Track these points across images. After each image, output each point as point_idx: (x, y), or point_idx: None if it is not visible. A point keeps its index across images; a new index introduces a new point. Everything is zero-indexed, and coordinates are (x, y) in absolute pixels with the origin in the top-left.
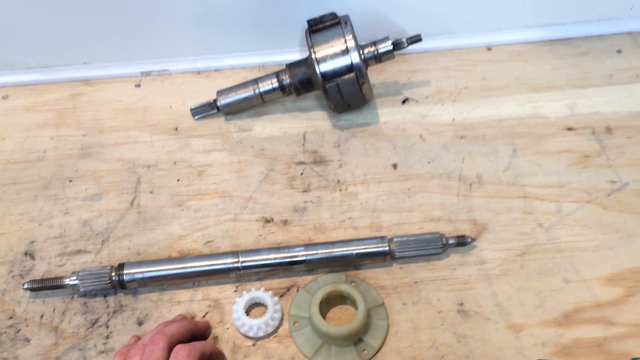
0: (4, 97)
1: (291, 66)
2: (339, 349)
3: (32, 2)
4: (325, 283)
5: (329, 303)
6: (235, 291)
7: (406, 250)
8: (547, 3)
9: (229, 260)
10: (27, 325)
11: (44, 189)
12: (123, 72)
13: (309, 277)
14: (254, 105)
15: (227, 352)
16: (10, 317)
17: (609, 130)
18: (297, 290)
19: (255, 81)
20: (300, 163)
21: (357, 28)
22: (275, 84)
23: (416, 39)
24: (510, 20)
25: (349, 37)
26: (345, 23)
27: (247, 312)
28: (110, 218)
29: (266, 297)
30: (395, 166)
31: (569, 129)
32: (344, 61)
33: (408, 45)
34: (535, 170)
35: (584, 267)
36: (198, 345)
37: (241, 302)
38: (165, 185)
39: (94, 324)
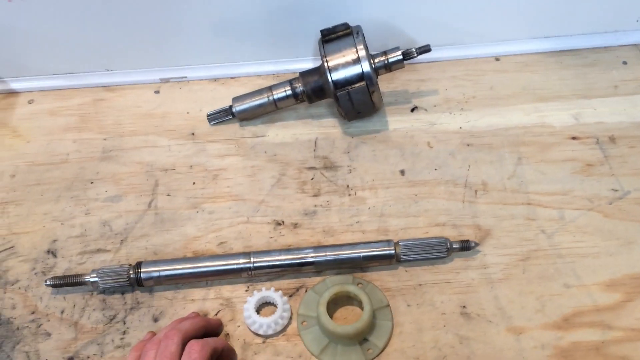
0: (29, 102)
1: (304, 74)
2: (345, 348)
3: (58, 11)
4: (333, 284)
5: (336, 303)
6: (247, 291)
7: (411, 253)
8: (555, 15)
9: (241, 260)
10: (48, 320)
11: (66, 190)
12: (143, 79)
13: (318, 279)
14: (267, 111)
15: (238, 349)
16: (33, 312)
17: (612, 139)
18: (306, 291)
19: (269, 89)
20: (311, 168)
21: (369, 38)
22: (289, 92)
23: (425, 49)
24: (519, 31)
25: (361, 46)
26: (357, 33)
27: (258, 311)
28: (129, 219)
29: (276, 296)
30: (402, 172)
31: (574, 138)
32: (355, 70)
33: (417, 55)
34: (540, 178)
35: (584, 273)
36: (210, 341)
37: (252, 301)
38: (182, 188)
39: (111, 319)
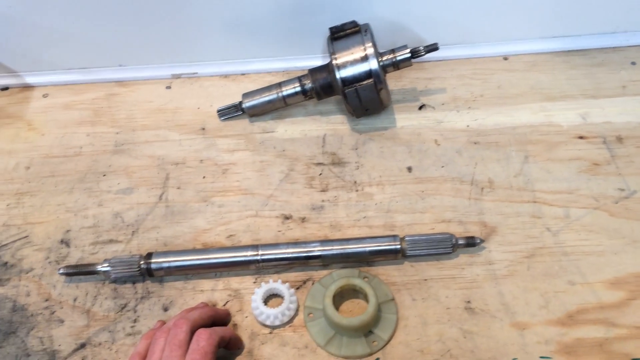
0: (44, 96)
1: (313, 71)
2: (350, 340)
3: (73, 8)
4: (339, 277)
5: (342, 296)
6: (255, 282)
7: (417, 249)
8: (564, 15)
9: (249, 253)
10: (62, 308)
11: (79, 182)
12: (155, 75)
13: (324, 272)
14: (277, 108)
15: (245, 339)
16: (46, 300)
17: (619, 139)
18: (313, 284)
19: (279, 85)
20: (319, 164)
21: (378, 36)
22: (298, 88)
23: (433, 48)
24: (527, 31)
25: (369, 44)
26: (366, 31)
27: (265, 302)
28: (140, 211)
29: (283, 288)
30: (410, 169)
31: (581, 137)
32: (363, 67)
33: (425, 53)
34: (546, 176)
35: (589, 271)
36: (218, 330)
37: (260, 292)
38: (192, 182)
39: (123, 308)
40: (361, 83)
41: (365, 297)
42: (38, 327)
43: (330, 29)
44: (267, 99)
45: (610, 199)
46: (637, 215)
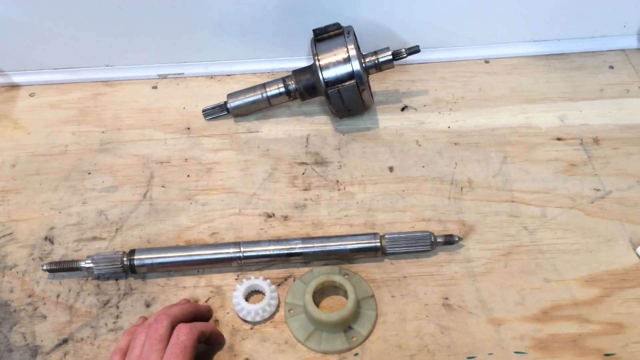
0: (31, 95)
1: (297, 72)
2: (330, 335)
3: (60, 7)
4: (320, 274)
5: (322, 293)
6: (237, 279)
7: (397, 246)
8: (544, 19)
9: (231, 250)
10: (45, 304)
11: (64, 180)
12: (142, 75)
13: (306, 269)
14: (261, 108)
15: (226, 334)
16: (29, 296)
17: (596, 141)
18: (294, 280)
19: (263, 86)
20: (303, 163)
21: (363, 39)
22: (282, 89)
23: (415, 50)
24: (508, 35)
25: (351, 46)
26: (348, 33)
27: (247, 299)
28: (124, 208)
29: (264, 285)
30: (391, 169)
31: (559, 139)
32: (345, 69)
33: (407, 55)
34: (524, 176)
35: (564, 268)
36: (198, 324)
37: (241, 288)
38: (176, 180)
39: (105, 304)
40: (344, 84)
41: (345, 294)
42: (21, 322)
43: (314, 30)
44: (251, 99)
45: (586, 199)
46: (612, 214)
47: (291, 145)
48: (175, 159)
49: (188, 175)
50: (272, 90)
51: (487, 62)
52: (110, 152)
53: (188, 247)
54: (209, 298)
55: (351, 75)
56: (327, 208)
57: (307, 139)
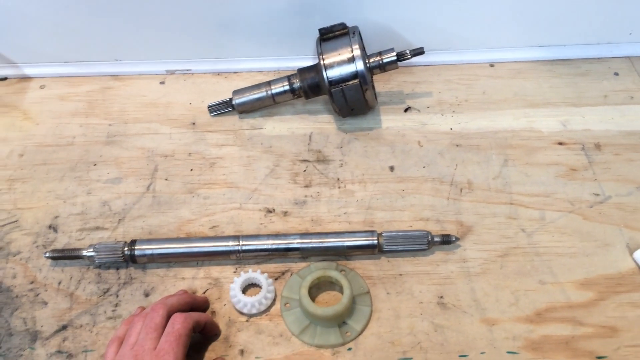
0: (41, 87)
1: (302, 71)
2: (324, 330)
3: (72, 2)
4: (317, 269)
5: (319, 288)
6: (235, 272)
7: (393, 244)
8: (550, 25)
9: (231, 243)
10: (46, 290)
11: (70, 170)
12: (150, 70)
13: (303, 264)
14: (266, 105)
15: (222, 326)
16: (32, 282)
17: (598, 146)
18: (291, 275)
19: (268, 83)
20: (304, 161)
21: (369, 40)
22: (286, 87)
23: (419, 52)
24: (514, 39)
25: (356, 46)
26: (354, 33)
27: (244, 291)
28: (128, 200)
29: (261, 278)
30: (392, 168)
31: (560, 143)
32: (349, 68)
33: (411, 56)
34: (524, 179)
35: (560, 271)
36: (194, 314)
37: (238, 281)
38: (179, 174)
39: (105, 292)
40: (347, 83)
41: (341, 289)
42: (22, 308)
43: (320, 30)
44: (256, 96)
45: (585, 203)
46: (611, 219)
47: (294, 142)
48: (180, 153)
49: (191, 169)
50: (277, 88)
51: (492, 65)
52: (116, 144)
53: (188, 239)
54: (207, 290)
55: (355, 75)
56: (327, 205)
57: (310, 137)
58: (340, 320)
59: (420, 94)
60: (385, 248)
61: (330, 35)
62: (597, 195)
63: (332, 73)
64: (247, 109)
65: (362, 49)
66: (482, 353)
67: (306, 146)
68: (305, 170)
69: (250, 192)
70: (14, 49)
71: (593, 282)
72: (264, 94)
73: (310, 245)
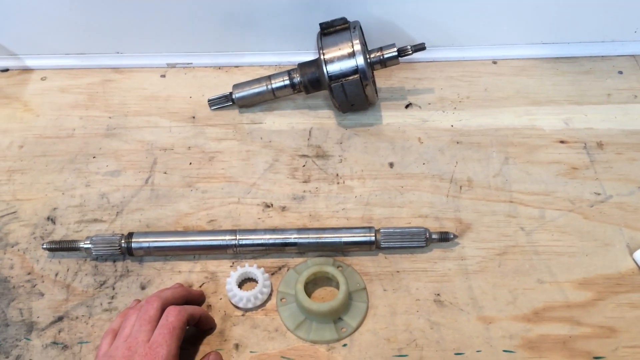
0: (42, 79)
1: (302, 65)
2: (320, 325)
3: None
4: (313, 265)
5: (315, 283)
6: (231, 266)
7: (391, 241)
8: (554, 22)
9: (227, 237)
10: (43, 282)
11: (69, 162)
12: (151, 63)
13: (300, 259)
14: (266, 100)
15: (218, 320)
16: (29, 273)
17: (600, 145)
18: (288, 270)
19: (269, 78)
20: (304, 156)
21: (371, 36)
22: (287, 82)
23: (420, 47)
24: (517, 36)
25: (356, 41)
26: (354, 28)
27: (240, 286)
28: (126, 193)
29: (258, 273)
30: (391, 165)
31: (562, 142)
32: (349, 63)
33: (413, 52)
34: (524, 177)
35: (558, 270)
36: (188, 308)
37: (235, 275)
38: (178, 167)
39: (102, 285)
40: (347, 78)
41: (337, 285)
42: (19, 299)
43: (320, 24)
44: (256, 90)
45: (585, 203)
46: (611, 219)
47: (293, 137)
48: (179, 147)
49: (190, 163)
50: (277, 83)
51: (494, 62)
52: (116, 137)
53: (185, 232)
54: (203, 283)
55: (355, 70)
56: (325, 201)
57: (309, 132)
58: (335, 316)
59: (421, 90)
60: (383, 244)
61: (331, 29)
62: (598, 194)
63: (332, 68)
64: (247, 103)
65: (363, 44)
66: (478, 351)
67: (306, 141)
68: (304, 166)
69: (249, 187)
70: (16, 40)
71: (592, 282)
72: (264, 88)
73: (308, 240)
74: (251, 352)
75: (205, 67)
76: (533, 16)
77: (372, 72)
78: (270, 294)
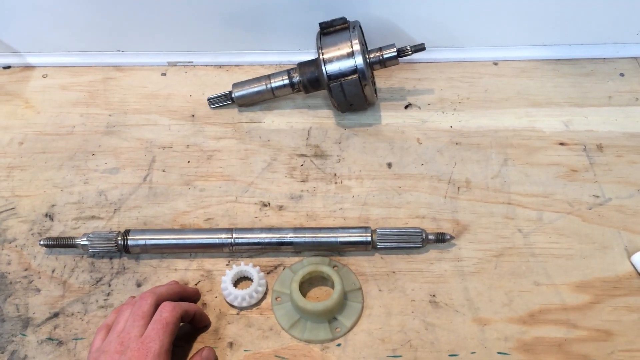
0: (43, 76)
1: (302, 65)
2: (314, 325)
3: None
4: (309, 264)
5: (311, 283)
6: (227, 265)
7: (387, 241)
8: (556, 24)
9: (224, 236)
10: (40, 278)
11: (69, 159)
12: (152, 61)
13: (296, 259)
14: (265, 99)
15: (213, 318)
16: (26, 269)
17: (600, 147)
18: (283, 269)
19: (268, 77)
20: (302, 155)
21: (372, 36)
22: (286, 81)
23: (420, 48)
24: (518, 38)
25: (355, 41)
26: (354, 28)
27: (235, 284)
28: (124, 190)
29: (253, 271)
30: (390, 165)
31: (562, 143)
32: (348, 63)
33: (412, 53)
34: (523, 179)
35: (555, 273)
36: (183, 304)
37: (230, 274)
38: (177, 165)
39: (98, 281)
40: (346, 78)
41: (333, 285)
42: (15, 294)
43: (320, 24)
44: (256, 89)
45: (584, 205)
46: (610, 222)
47: (292, 137)
48: (178, 145)
49: (189, 161)
50: (277, 82)
51: (495, 64)
52: (115, 135)
53: (181, 230)
54: (199, 281)
55: (354, 70)
56: (323, 200)
57: (308, 132)
58: (330, 316)
59: (421, 91)
60: (379, 245)
61: (331, 29)
62: (597, 197)
63: (331, 68)
64: (246, 102)
65: (363, 44)
66: (472, 353)
67: (304, 141)
68: (302, 165)
69: (247, 186)
70: (18, 38)
71: (589, 285)
72: (264, 87)
73: (304, 240)
74: (245, 350)
75: (206, 65)
76: (534, 17)
77: (372, 72)
78: (266, 293)
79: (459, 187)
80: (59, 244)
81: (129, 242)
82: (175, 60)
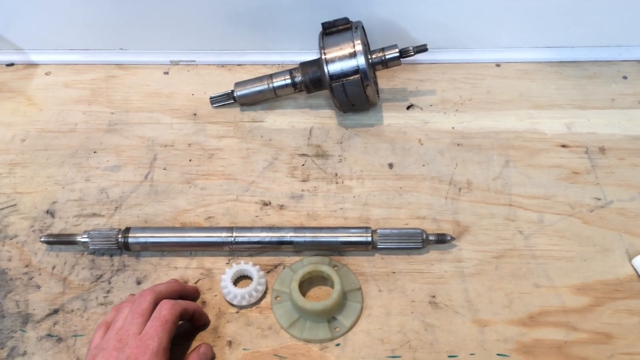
0: (47, 74)
1: (304, 65)
2: (313, 324)
3: None
4: (309, 263)
5: (311, 282)
6: (227, 263)
7: (387, 242)
8: (559, 26)
9: (224, 234)
10: (40, 274)
11: (70, 157)
12: (154, 60)
13: (296, 258)
14: (267, 98)
15: (212, 317)
16: (26, 266)
17: (602, 150)
18: (283, 268)
19: (270, 76)
20: (303, 155)
21: (375, 36)
22: (288, 80)
23: (422, 49)
24: (522, 39)
25: (358, 41)
26: (356, 28)
27: (235, 283)
28: (125, 188)
29: (253, 270)
30: (391, 166)
31: (563, 146)
32: (350, 63)
33: (415, 53)
34: (524, 181)
35: (556, 275)
36: (182, 302)
37: (230, 272)
38: (178, 164)
39: (98, 279)
40: (348, 78)
41: (333, 285)
42: (16, 290)
43: (323, 24)
44: (258, 89)
45: (585, 207)
46: (611, 224)
47: (294, 136)
48: (179, 143)
49: (190, 160)
50: (279, 81)
51: (498, 65)
52: (117, 132)
53: (182, 228)
54: (199, 280)
55: (356, 70)
56: (324, 200)
57: (310, 132)
58: (329, 316)
59: (423, 91)
60: (379, 245)
61: (333, 29)
62: (599, 199)
63: (333, 67)
64: (248, 102)
65: (365, 44)
66: (471, 354)
67: (306, 140)
68: (303, 165)
69: (248, 185)
70: (22, 35)
71: (590, 288)
72: (266, 86)
73: (304, 239)
74: (244, 349)
75: (209, 64)
76: (537, 19)
77: (374, 73)
78: (265, 292)
79: (460, 188)
80: (60, 240)
81: (130, 240)
82: (177, 59)
